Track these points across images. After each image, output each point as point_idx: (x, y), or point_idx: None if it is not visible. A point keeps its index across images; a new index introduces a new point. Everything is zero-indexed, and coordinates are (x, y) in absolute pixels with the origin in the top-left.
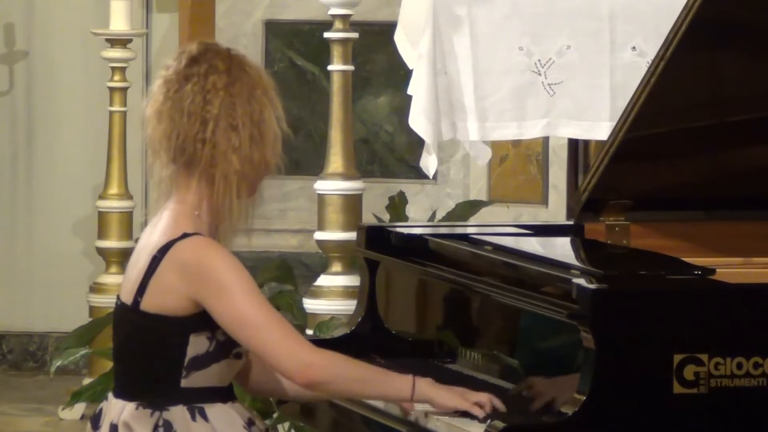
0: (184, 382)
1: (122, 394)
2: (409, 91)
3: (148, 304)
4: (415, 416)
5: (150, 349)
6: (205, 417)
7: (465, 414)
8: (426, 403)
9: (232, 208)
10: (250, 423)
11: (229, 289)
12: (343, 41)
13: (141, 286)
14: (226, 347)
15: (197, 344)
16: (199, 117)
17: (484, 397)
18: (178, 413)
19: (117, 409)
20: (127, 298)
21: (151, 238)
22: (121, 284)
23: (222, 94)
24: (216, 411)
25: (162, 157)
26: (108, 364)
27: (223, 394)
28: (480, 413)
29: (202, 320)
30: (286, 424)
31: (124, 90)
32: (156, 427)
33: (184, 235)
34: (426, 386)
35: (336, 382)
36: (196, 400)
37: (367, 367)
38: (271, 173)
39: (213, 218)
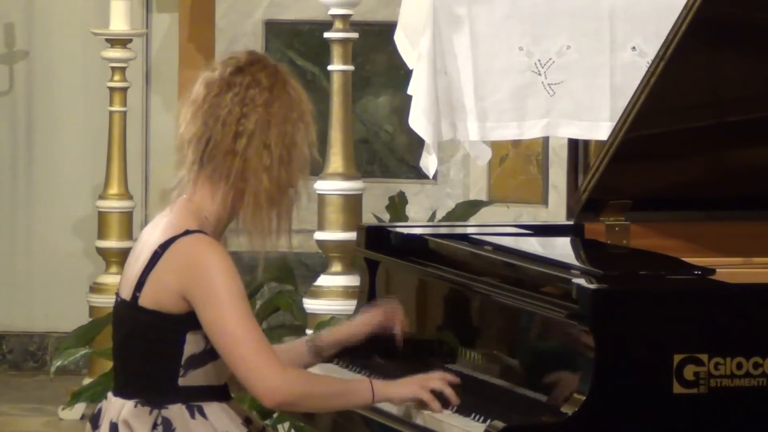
0: (182, 381)
1: (121, 392)
2: (409, 91)
3: (146, 299)
4: (415, 416)
5: (148, 347)
6: (203, 415)
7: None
8: (386, 401)
9: (262, 223)
10: (247, 421)
11: (218, 296)
12: (343, 41)
13: (140, 280)
14: None
15: (194, 343)
16: (233, 128)
17: (437, 382)
18: (176, 411)
19: (116, 407)
20: (127, 294)
21: (153, 234)
22: (120, 280)
23: (260, 111)
24: (214, 409)
25: (188, 156)
26: (108, 364)
27: (219, 393)
28: (436, 406)
29: (197, 319)
30: (286, 424)
31: (124, 90)
32: (155, 425)
33: (187, 232)
34: (383, 386)
35: (302, 403)
36: (194, 398)
37: (329, 381)
38: (294, 190)
39: (223, 221)
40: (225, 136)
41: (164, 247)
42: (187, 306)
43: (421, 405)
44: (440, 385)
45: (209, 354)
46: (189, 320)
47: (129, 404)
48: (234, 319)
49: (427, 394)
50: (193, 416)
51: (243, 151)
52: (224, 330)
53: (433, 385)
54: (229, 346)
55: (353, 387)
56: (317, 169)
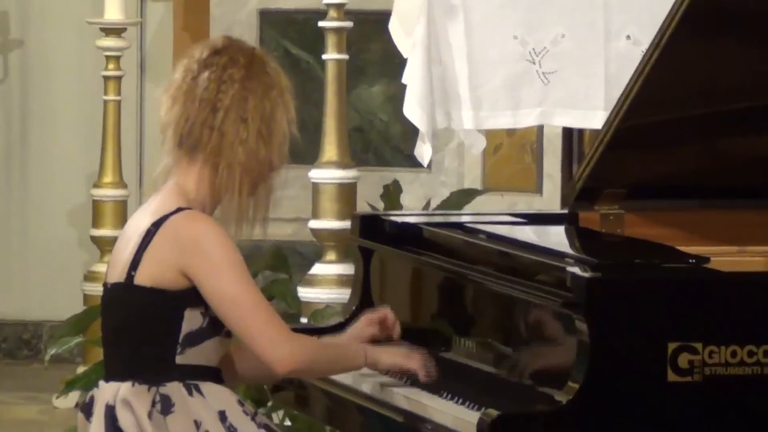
0: (179, 359)
1: (115, 376)
2: (404, 80)
3: (142, 277)
4: (410, 405)
5: (145, 326)
6: (201, 392)
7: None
8: (375, 364)
9: (232, 199)
10: (241, 403)
11: (220, 267)
12: (337, 30)
13: (135, 260)
14: (219, 324)
15: (192, 320)
16: (210, 104)
17: (416, 362)
18: (174, 388)
19: (111, 391)
20: (120, 276)
21: (143, 218)
22: (108, 268)
23: (237, 87)
24: (210, 388)
25: (169, 140)
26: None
27: (213, 375)
28: (423, 373)
29: (196, 295)
30: (281, 413)
31: (118, 79)
32: (154, 402)
33: (179, 209)
34: (373, 351)
35: (310, 369)
36: (190, 377)
37: (330, 346)
38: (275, 175)
39: (208, 205)
40: (202, 111)
41: (157, 225)
42: (185, 282)
43: (407, 374)
44: (424, 360)
45: (206, 332)
46: (187, 296)
47: (126, 385)
48: (239, 290)
49: (415, 363)
50: (191, 394)
51: (220, 125)
52: (231, 301)
53: (418, 356)
54: (239, 317)
55: (350, 351)
56: (310, 156)
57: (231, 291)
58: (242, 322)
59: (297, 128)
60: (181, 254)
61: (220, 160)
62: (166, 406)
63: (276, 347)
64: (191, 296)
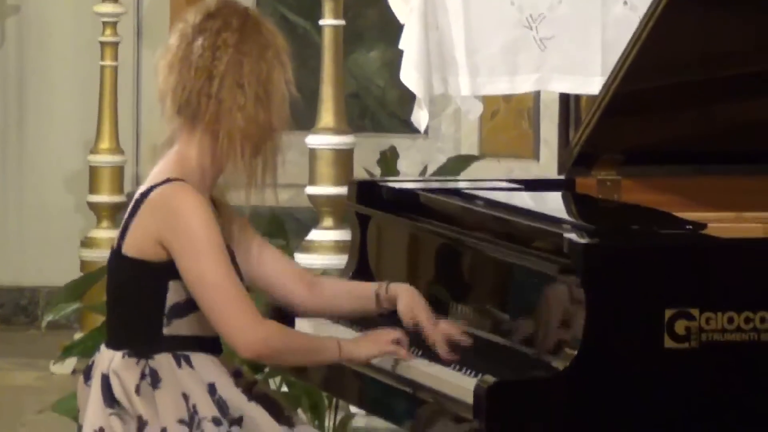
0: (167, 330)
1: (112, 343)
2: (401, 46)
3: (128, 248)
4: (406, 372)
5: (133, 296)
6: (190, 364)
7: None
8: (350, 359)
9: (236, 165)
10: (236, 374)
11: (195, 245)
12: None
13: (123, 229)
14: None
15: (177, 291)
16: (205, 72)
17: (390, 346)
18: (163, 361)
19: (107, 358)
20: (115, 244)
21: (144, 186)
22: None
23: (231, 51)
24: (201, 359)
25: (168, 109)
26: (99, 319)
27: (207, 345)
28: (403, 353)
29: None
30: (278, 379)
31: (115, 45)
32: (143, 375)
33: (167, 180)
34: (349, 346)
35: (276, 357)
36: (180, 348)
37: (303, 336)
38: (277, 136)
39: (210, 173)
40: (198, 80)
41: (145, 194)
42: (166, 254)
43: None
44: (396, 336)
45: (192, 303)
46: (171, 268)
47: (118, 355)
48: (212, 270)
49: (391, 347)
50: (179, 365)
51: (216, 93)
52: (202, 280)
53: (392, 337)
54: (207, 295)
55: (323, 344)
56: (307, 122)
57: (203, 270)
58: (212, 303)
59: (295, 89)
60: (160, 226)
61: (219, 127)
62: (154, 380)
63: (241, 331)
64: (175, 268)
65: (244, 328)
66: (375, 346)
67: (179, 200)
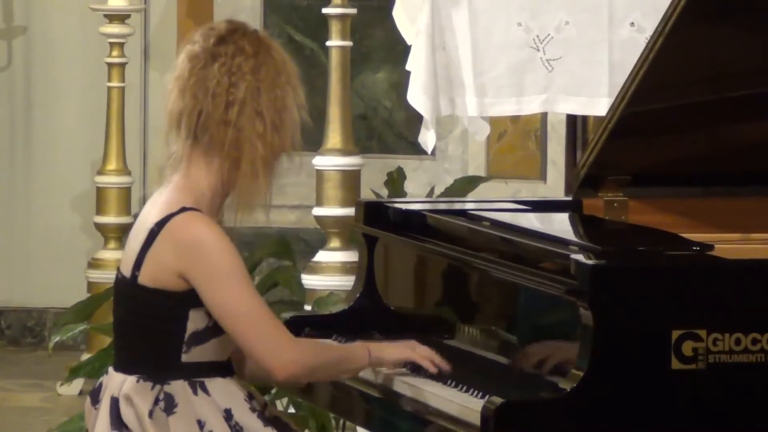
0: (185, 357)
1: (122, 367)
2: (408, 67)
3: (145, 278)
4: (413, 393)
5: (150, 324)
6: (206, 391)
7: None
8: (380, 362)
9: (258, 191)
10: (250, 397)
11: (220, 275)
12: (341, 17)
13: (138, 259)
14: None
15: (197, 319)
16: (223, 99)
17: (422, 355)
18: (179, 387)
19: (117, 382)
20: (126, 272)
21: (151, 212)
22: (121, 257)
23: (248, 78)
24: (217, 385)
25: (181, 132)
26: (106, 340)
27: (222, 369)
28: (429, 365)
29: (199, 296)
30: (285, 400)
31: (122, 66)
32: (157, 400)
33: (182, 210)
34: (377, 349)
35: (313, 374)
36: (197, 374)
37: (332, 349)
38: (286, 156)
39: (219, 197)
40: (216, 107)
41: (160, 225)
42: (186, 284)
43: (413, 367)
44: (429, 352)
45: (212, 330)
46: (191, 297)
47: (131, 379)
48: (241, 298)
49: (419, 356)
50: (195, 392)
51: (236, 120)
52: (231, 311)
53: (423, 351)
54: (239, 324)
55: (353, 352)
56: (314, 143)
57: (233, 300)
58: (244, 331)
59: (307, 114)
60: (181, 259)
61: (240, 155)
62: (169, 405)
63: (279, 354)
64: (195, 297)
65: (279, 352)
66: (404, 351)
67: (199, 233)
